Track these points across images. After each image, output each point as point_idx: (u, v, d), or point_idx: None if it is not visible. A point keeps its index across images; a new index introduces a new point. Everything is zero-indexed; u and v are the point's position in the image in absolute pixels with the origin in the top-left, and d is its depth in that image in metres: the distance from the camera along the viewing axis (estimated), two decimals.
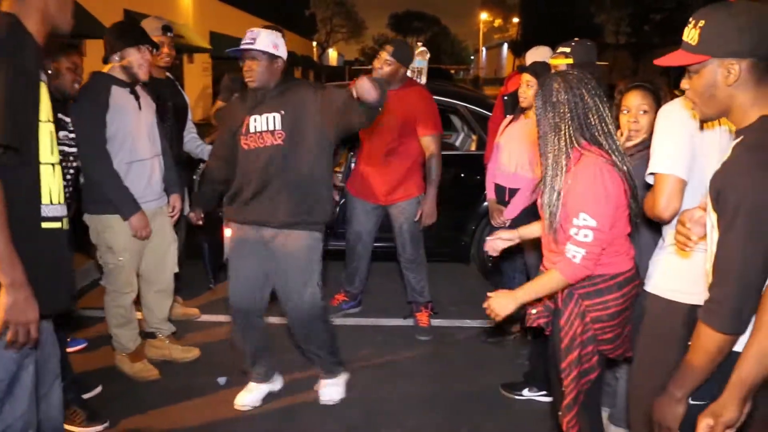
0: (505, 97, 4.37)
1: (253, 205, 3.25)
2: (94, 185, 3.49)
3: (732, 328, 1.65)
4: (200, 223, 3.61)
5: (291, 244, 3.25)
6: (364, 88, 2.82)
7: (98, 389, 3.59)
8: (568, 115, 2.29)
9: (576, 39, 3.54)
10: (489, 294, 2.48)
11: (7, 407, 2.03)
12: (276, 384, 3.63)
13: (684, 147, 2.23)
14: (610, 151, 2.30)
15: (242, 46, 3.15)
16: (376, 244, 4.65)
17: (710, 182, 1.71)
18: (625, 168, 2.31)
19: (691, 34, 1.73)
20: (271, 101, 3.20)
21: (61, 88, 3.32)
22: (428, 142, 4.27)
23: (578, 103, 2.29)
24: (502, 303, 2.42)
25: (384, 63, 4.11)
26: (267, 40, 3.15)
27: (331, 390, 3.56)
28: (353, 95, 2.90)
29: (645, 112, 2.72)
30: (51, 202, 2.05)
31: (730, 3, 1.71)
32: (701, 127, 2.24)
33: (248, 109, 3.24)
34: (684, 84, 1.81)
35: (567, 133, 2.29)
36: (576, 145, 2.29)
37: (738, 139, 1.70)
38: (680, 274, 2.31)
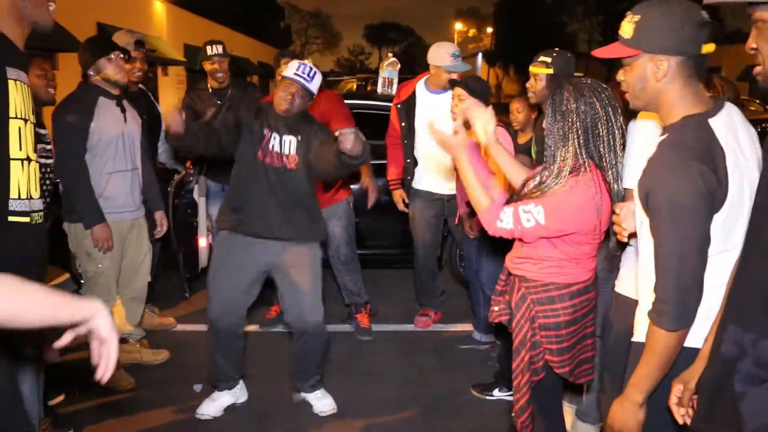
0: (398, 106, 4.52)
1: (261, 218, 3.32)
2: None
3: (680, 324, 1.71)
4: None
5: (300, 259, 3.38)
6: (350, 139, 2.97)
7: (61, 397, 3.58)
8: (578, 124, 2.26)
9: (556, 49, 3.60)
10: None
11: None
12: (241, 396, 3.65)
13: None
14: (608, 167, 2.29)
15: (298, 78, 3.27)
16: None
17: (638, 183, 1.79)
18: (615, 187, 2.31)
19: (626, 28, 1.81)
20: (291, 125, 3.34)
21: (36, 96, 3.34)
22: None
23: (588, 112, 2.25)
24: None
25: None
26: (318, 81, 3.33)
27: (327, 401, 3.61)
28: (339, 147, 3.03)
29: None
30: (19, 197, 2.09)
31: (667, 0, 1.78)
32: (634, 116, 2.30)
33: (268, 123, 3.34)
34: (620, 75, 1.90)
35: (574, 144, 2.27)
36: (579, 157, 2.28)
37: (663, 137, 1.78)
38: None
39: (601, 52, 1.93)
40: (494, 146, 2.57)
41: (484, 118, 2.49)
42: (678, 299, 1.70)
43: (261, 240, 3.34)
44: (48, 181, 3.49)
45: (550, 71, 3.49)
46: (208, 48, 4.61)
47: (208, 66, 4.65)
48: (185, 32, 21.88)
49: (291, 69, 3.32)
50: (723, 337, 1.55)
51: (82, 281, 5.01)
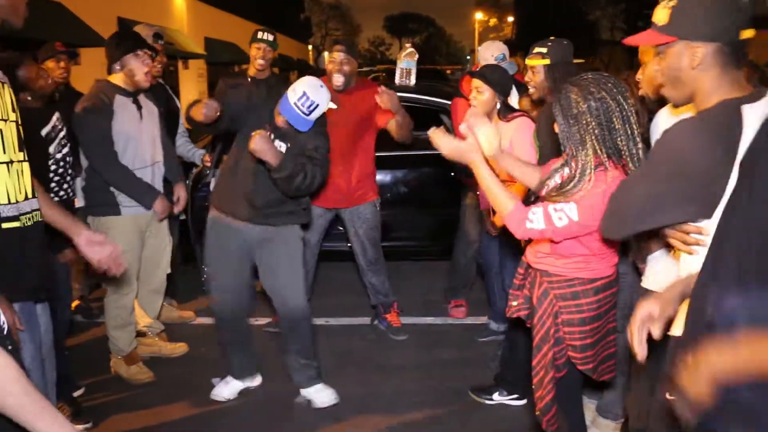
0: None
1: (244, 203, 3.33)
2: (97, 188, 3.63)
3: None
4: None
5: (276, 239, 3.40)
6: (258, 145, 3.01)
7: (80, 390, 3.63)
8: (593, 123, 2.18)
9: (552, 38, 3.43)
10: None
11: None
12: (255, 380, 3.72)
13: None
14: (629, 157, 2.20)
15: (295, 111, 3.17)
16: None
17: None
18: None
19: (660, 14, 1.72)
20: (283, 132, 3.31)
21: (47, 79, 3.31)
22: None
23: (600, 108, 2.17)
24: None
25: (343, 63, 4.05)
26: (316, 115, 3.19)
27: (326, 393, 3.55)
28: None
29: None
30: (9, 202, 2.02)
31: None
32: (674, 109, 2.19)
33: (270, 123, 3.34)
34: (654, 64, 1.81)
35: (593, 146, 2.19)
36: (600, 156, 2.20)
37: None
38: (672, 271, 2.30)
39: (634, 40, 1.85)
40: (502, 158, 2.54)
41: (486, 132, 2.40)
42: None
43: (246, 223, 3.37)
44: (70, 169, 3.50)
45: (547, 61, 3.31)
46: (260, 32, 4.57)
47: (253, 50, 4.59)
48: (205, 25, 21.97)
49: (294, 96, 3.12)
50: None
51: None
